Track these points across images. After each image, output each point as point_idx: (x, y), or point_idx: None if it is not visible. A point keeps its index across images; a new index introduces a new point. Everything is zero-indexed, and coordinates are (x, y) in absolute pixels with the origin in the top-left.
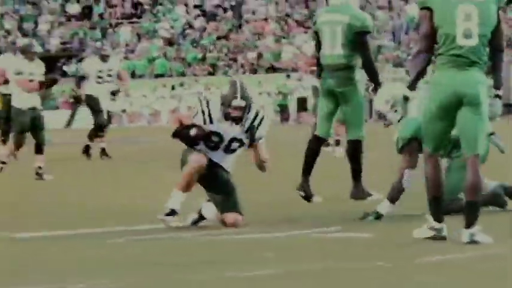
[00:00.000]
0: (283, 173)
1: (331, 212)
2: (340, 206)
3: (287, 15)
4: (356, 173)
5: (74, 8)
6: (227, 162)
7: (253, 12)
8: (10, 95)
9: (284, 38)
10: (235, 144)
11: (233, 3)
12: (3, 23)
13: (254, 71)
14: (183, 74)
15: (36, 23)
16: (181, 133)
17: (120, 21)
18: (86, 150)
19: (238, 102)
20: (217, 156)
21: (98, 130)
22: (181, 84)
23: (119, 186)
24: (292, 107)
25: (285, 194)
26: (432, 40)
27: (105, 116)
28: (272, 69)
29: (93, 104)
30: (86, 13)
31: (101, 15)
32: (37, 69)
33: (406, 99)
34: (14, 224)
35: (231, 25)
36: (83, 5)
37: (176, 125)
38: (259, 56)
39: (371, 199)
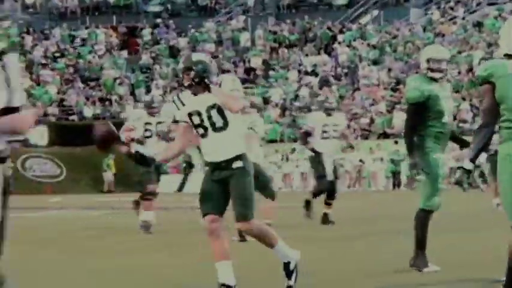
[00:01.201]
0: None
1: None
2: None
3: (398, 82)
4: (418, 241)
5: None
6: (229, 146)
7: (366, 78)
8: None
9: (396, 103)
10: (214, 113)
11: (346, 70)
12: (117, 88)
13: (366, 137)
14: (295, 140)
15: (148, 89)
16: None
17: None
18: (307, 205)
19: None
20: (217, 145)
21: (329, 197)
22: (293, 151)
23: None
24: (404, 173)
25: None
26: (494, 114)
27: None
28: (384, 135)
29: (316, 165)
30: None
31: None
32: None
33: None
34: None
35: (344, 91)
36: None
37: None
38: (371, 121)
39: (427, 270)
